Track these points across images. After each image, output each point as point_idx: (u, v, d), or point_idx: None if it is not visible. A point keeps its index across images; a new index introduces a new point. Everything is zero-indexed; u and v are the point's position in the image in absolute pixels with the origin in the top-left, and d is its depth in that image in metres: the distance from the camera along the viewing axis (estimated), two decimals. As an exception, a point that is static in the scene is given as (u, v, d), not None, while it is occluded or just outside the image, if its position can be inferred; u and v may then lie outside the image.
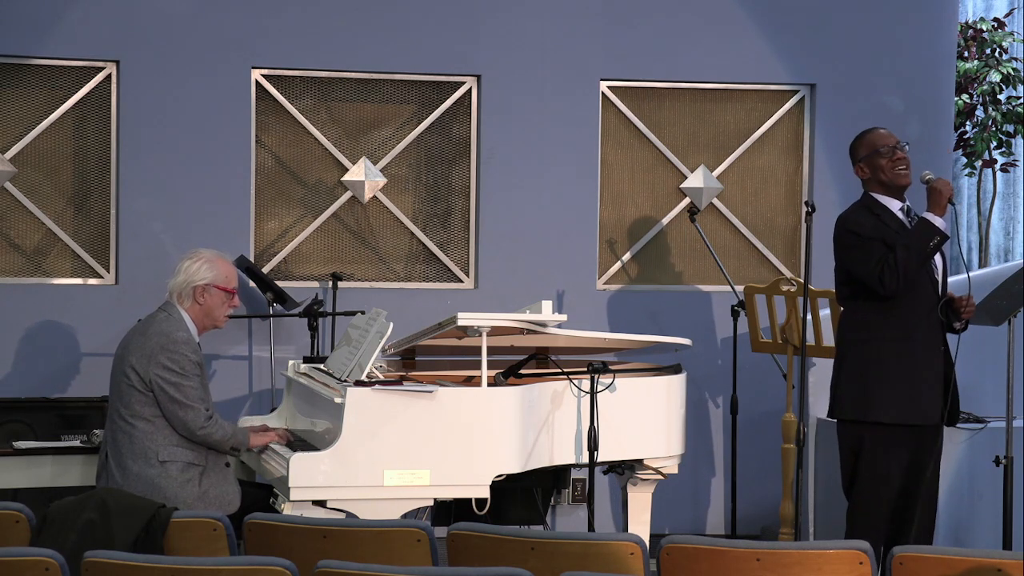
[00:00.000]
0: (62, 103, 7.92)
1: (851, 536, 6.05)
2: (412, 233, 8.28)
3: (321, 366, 6.59)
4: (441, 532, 4.65)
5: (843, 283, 6.19)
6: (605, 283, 8.43)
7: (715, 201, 8.51)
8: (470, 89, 8.26)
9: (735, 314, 7.91)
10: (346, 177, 8.16)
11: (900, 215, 6.09)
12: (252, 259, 7.99)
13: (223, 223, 7.96)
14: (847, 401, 6.14)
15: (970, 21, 11.36)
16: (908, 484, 6.12)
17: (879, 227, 6.03)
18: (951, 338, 6.22)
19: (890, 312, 6.04)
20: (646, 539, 5.81)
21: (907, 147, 6.17)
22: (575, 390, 6.15)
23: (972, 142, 10.93)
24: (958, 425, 6.94)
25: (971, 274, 6.26)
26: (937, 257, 6.12)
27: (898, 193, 6.13)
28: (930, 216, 5.99)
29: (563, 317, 6.16)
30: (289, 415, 6.72)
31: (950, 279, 6.99)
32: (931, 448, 6.16)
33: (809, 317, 6.89)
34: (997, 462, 6.42)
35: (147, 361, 5.87)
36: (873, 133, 6.21)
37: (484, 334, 5.98)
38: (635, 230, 8.48)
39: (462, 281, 8.30)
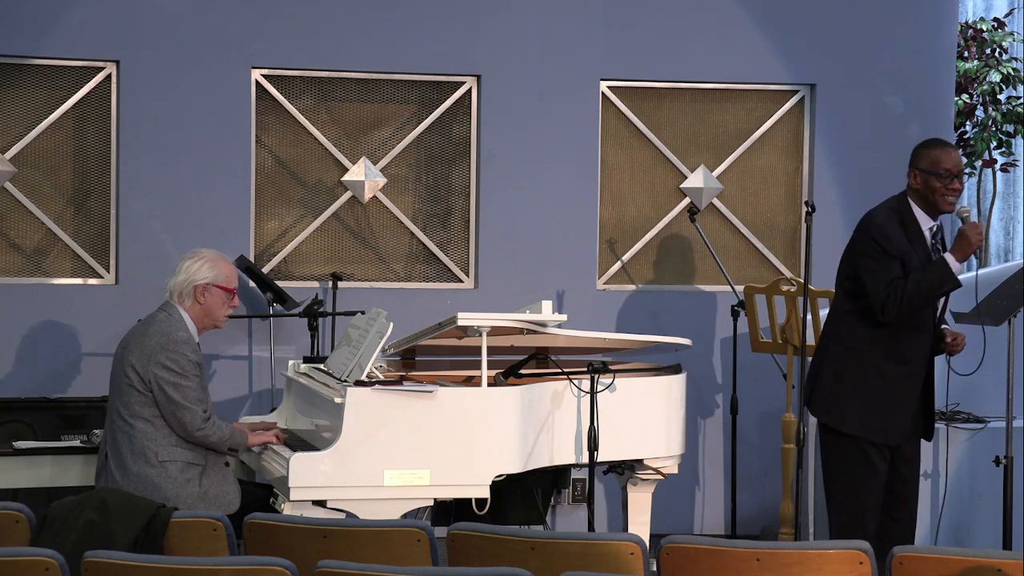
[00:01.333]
0: (62, 103, 7.92)
1: (835, 535, 6.03)
2: (412, 233, 8.28)
3: (321, 366, 6.59)
4: (441, 532, 4.65)
5: (849, 278, 6.04)
6: (605, 283, 8.43)
7: (715, 201, 8.52)
8: (470, 89, 8.26)
9: (735, 314, 7.91)
10: (346, 177, 8.16)
11: (927, 234, 5.98)
12: (252, 259, 7.99)
13: (223, 223, 7.96)
14: (820, 402, 6.09)
15: (970, 21, 11.36)
16: (889, 493, 6.09)
17: (904, 247, 5.91)
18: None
19: (884, 328, 5.96)
20: (646, 539, 5.82)
21: (967, 178, 6.05)
22: (575, 390, 6.15)
23: (972, 142, 10.92)
24: (958, 425, 6.94)
25: (971, 274, 6.26)
26: None
27: (934, 213, 5.97)
28: (950, 259, 5.85)
29: (563, 317, 6.16)
30: (289, 415, 6.72)
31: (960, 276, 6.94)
32: (908, 456, 6.11)
33: (809, 317, 6.89)
34: (997, 462, 6.42)
35: (146, 361, 5.86)
36: (943, 151, 5.96)
37: (484, 334, 5.98)
38: (635, 230, 8.48)
39: (462, 281, 8.30)
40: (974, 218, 6.06)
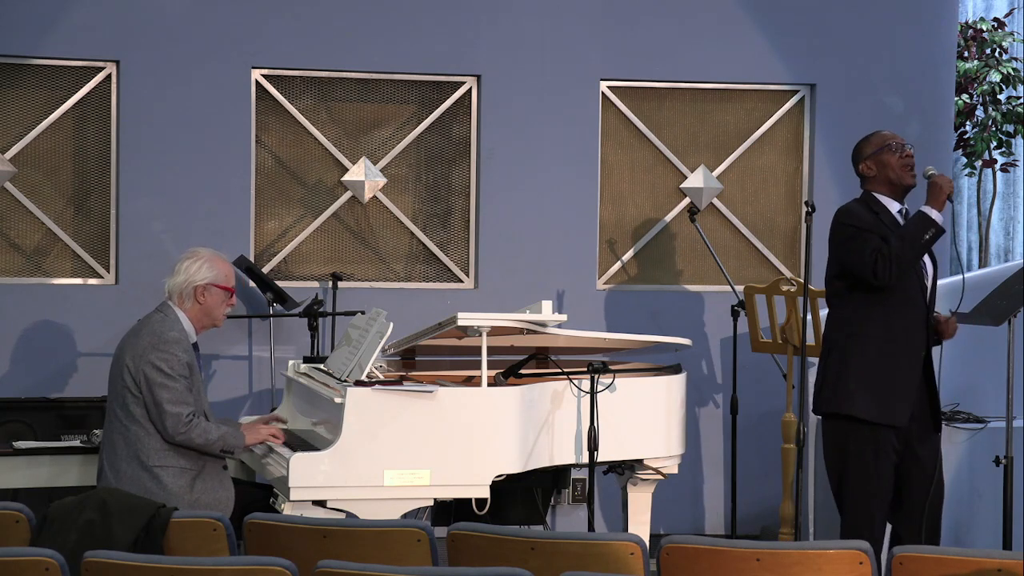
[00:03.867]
0: (62, 103, 7.92)
1: (845, 536, 6.03)
2: (412, 233, 8.28)
3: (321, 366, 6.58)
4: (441, 532, 4.65)
5: (836, 277, 6.12)
6: (605, 283, 8.43)
7: (715, 201, 8.52)
8: (470, 89, 8.26)
9: (735, 314, 7.91)
10: (346, 177, 8.16)
11: (898, 217, 6.08)
12: (252, 259, 7.99)
13: (223, 223, 7.96)
14: (828, 395, 6.11)
15: (970, 21, 11.36)
16: (900, 487, 6.10)
17: (877, 223, 6.03)
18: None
19: (876, 311, 6.02)
20: (646, 539, 5.82)
21: (912, 148, 6.19)
22: (575, 390, 6.15)
23: (972, 142, 10.92)
24: (958, 425, 6.95)
25: (971, 274, 6.27)
26: (927, 262, 6.11)
27: (900, 194, 6.11)
28: (927, 209, 5.98)
29: (563, 317, 6.16)
30: (289, 415, 6.72)
31: (947, 280, 6.99)
32: (920, 449, 6.12)
33: (809, 317, 6.89)
34: (997, 462, 6.42)
35: (138, 359, 5.84)
36: (879, 133, 6.21)
37: (484, 334, 5.98)
38: (635, 230, 8.48)
39: (462, 281, 8.30)
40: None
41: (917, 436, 6.10)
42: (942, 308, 6.27)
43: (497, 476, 5.92)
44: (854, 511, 6.05)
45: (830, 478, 6.14)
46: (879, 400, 6.00)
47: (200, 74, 7.95)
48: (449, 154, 8.32)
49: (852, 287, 6.08)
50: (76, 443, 6.54)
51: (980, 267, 11.03)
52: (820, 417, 6.24)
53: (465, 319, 5.94)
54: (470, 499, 5.96)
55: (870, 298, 6.01)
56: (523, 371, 6.39)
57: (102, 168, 7.96)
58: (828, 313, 6.24)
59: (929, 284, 6.12)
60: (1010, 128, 11.00)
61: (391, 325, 6.00)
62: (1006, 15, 11.57)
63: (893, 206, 6.10)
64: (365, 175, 8.16)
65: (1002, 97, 11.04)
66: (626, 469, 6.59)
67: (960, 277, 6.21)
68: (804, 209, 6.83)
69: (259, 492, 6.20)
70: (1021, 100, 11.05)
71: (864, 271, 5.96)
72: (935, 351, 6.15)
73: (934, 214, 5.98)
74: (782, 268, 8.53)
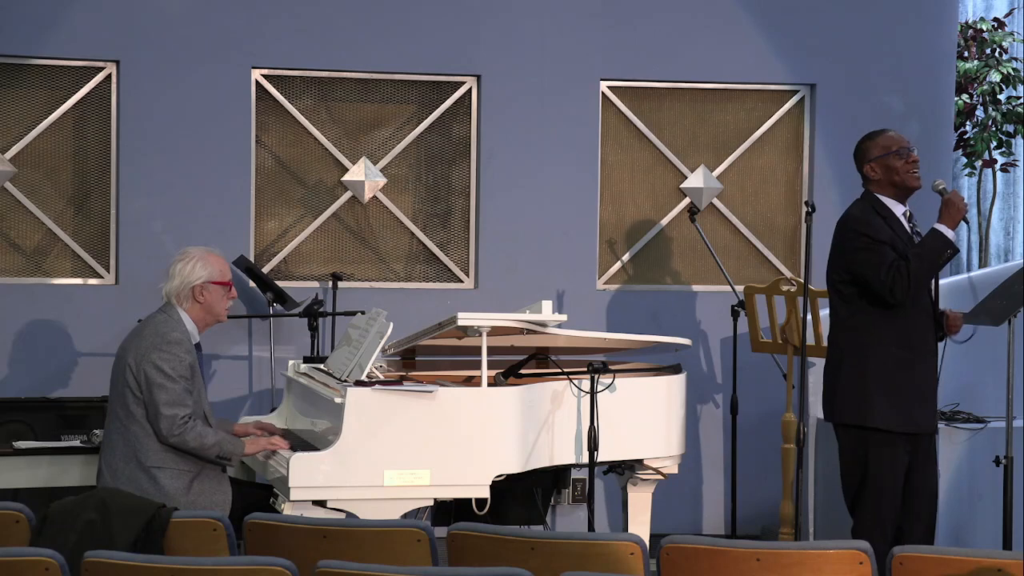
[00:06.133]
0: (62, 103, 7.92)
1: (857, 538, 6.00)
2: (412, 233, 8.28)
3: (321, 366, 6.58)
4: (441, 532, 4.66)
5: (846, 282, 6.04)
6: (605, 283, 8.43)
7: (715, 201, 8.52)
8: (470, 89, 8.26)
9: (735, 314, 7.91)
10: (346, 177, 8.17)
11: (903, 219, 6.04)
12: (252, 259, 7.99)
13: (223, 223, 7.96)
14: (846, 406, 6.06)
15: (970, 21, 11.36)
16: (910, 489, 6.10)
17: (891, 235, 5.96)
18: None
19: (890, 319, 5.96)
20: (646, 539, 5.81)
21: (916, 151, 6.13)
22: (575, 390, 6.15)
23: (972, 142, 10.92)
24: (958, 425, 6.95)
25: (971, 274, 6.27)
26: None
27: (903, 196, 6.07)
28: (942, 228, 5.91)
29: (563, 317, 6.15)
30: (289, 415, 6.72)
31: (950, 279, 6.99)
32: (929, 454, 6.12)
33: (809, 317, 6.88)
34: (997, 462, 6.42)
35: (140, 359, 5.83)
36: (885, 135, 6.12)
37: (484, 334, 5.98)
38: (635, 230, 8.48)
39: (462, 281, 8.30)
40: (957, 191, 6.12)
41: (924, 437, 6.10)
42: (954, 304, 6.26)
43: (497, 476, 5.92)
44: (870, 516, 6.01)
45: (844, 484, 6.09)
46: (903, 409, 5.96)
47: (200, 74, 7.95)
48: (449, 154, 8.32)
49: (861, 294, 6.01)
50: (76, 443, 6.54)
51: (980, 267, 11.04)
52: (833, 425, 6.17)
53: (465, 319, 5.94)
54: (470, 499, 5.96)
55: (883, 306, 5.96)
56: (523, 371, 6.39)
57: (102, 168, 7.96)
58: (834, 318, 6.18)
59: (933, 286, 6.10)
60: (1010, 128, 11.00)
61: (391, 325, 6.00)
62: (1006, 15, 11.56)
63: (897, 208, 6.04)
64: (365, 175, 8.16)
65: (1002, 97, 11.04)
66: (626, 469, 6.59)
67: (965, 277, 6.21)
68: (804, 209, 6.83)
69: (259, 492, 6.19)
70: (1021, 100, 11.05)
71: (880, 288, 5.90)
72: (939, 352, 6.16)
73: (949, 233, 5.90)
74: (782, 268, 8.53)
